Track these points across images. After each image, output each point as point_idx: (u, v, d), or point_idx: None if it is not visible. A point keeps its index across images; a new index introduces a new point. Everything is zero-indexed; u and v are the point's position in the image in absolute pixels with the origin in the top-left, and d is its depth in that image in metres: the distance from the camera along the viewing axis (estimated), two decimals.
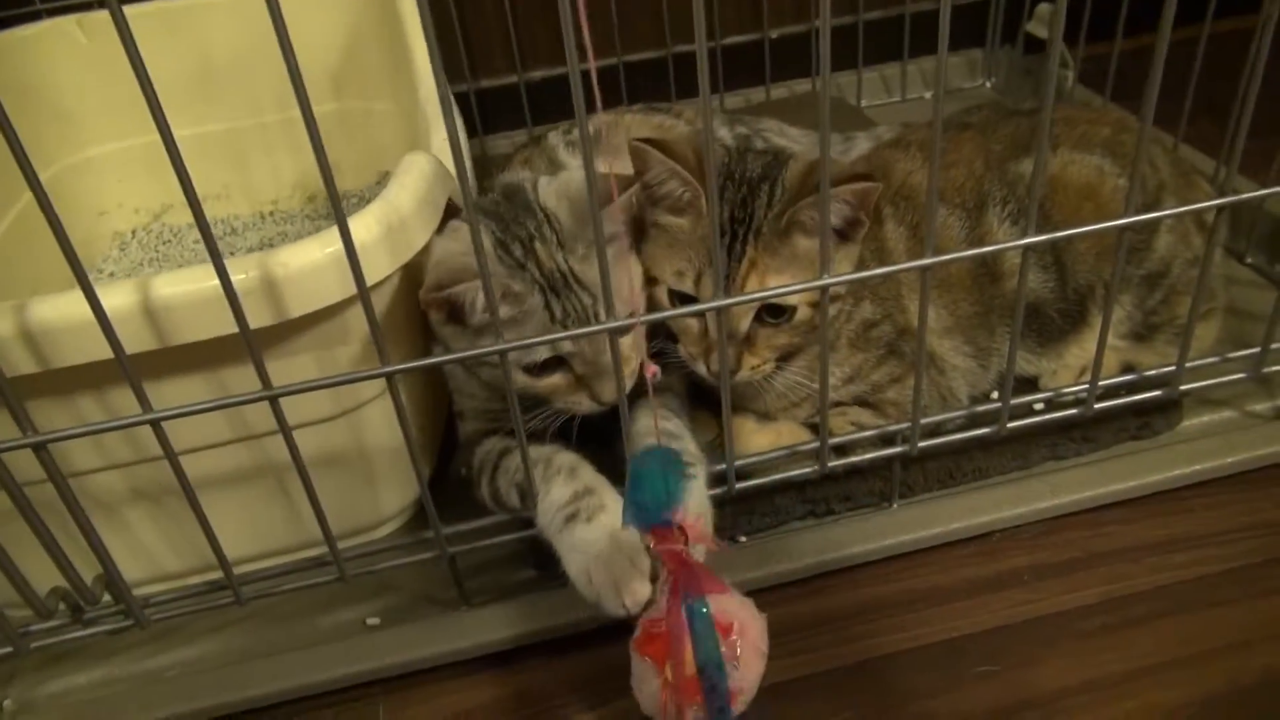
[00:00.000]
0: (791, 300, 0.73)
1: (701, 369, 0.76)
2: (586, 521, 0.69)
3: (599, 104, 0.58)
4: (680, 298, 0.76)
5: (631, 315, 0.72)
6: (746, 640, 0.59)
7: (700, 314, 0.75)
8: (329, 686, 0.77)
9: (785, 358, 0.78)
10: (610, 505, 0.70)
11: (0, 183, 1.12)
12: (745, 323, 0.74)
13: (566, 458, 0.74)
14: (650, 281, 0.77)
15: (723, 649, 0.57)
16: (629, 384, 0.74)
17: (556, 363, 0.73)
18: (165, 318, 0.63)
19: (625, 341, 0.74)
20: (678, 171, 0.72)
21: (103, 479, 0.75)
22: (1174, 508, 0.84)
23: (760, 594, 0.80)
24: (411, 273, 0.76)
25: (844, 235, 0.74)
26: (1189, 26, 1.02)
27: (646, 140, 0.73)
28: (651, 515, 0.60)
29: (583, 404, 0.75)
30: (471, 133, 1.52)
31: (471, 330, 0.73)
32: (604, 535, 0.67)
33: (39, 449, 0.60)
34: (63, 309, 0.62)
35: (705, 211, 0.72)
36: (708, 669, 0.57)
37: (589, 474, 0.73)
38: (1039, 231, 0.69)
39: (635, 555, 0.65)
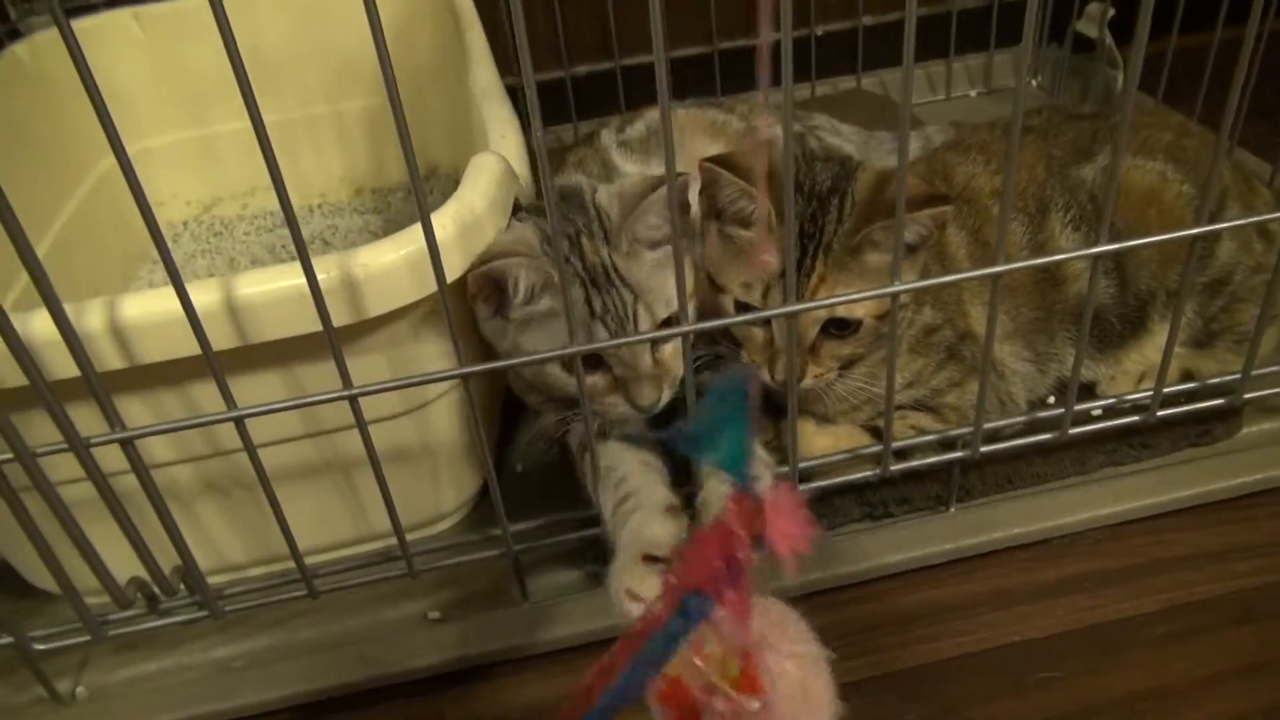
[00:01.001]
0: (858, 313, 0.73)
1: (765, 376, 0.76)
2: (621, 526, 0.69)
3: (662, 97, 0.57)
4: (746, 308, 0.76)
5: (677, 320, 0.71)
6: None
7: (765, 323, 0.75)
8: (393, 680, 0.78)
9: (848, 365, 0.78)
10: (645, 503, 0.70)
11: (57, 178, 1.14)
12: (811, 333, 0.74)
13: (626, 466, 0.74)
14: (716, 289, 0.77)
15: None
16: (667, 394, 0.74)
17: (595, 362, 0.72)
18: (248, 316, 0.64)
19: (666, 349, 0.74)
20: (749, 191, 0.72)
21: (176, 471, 0.76)
22: (1235, 516, 0.83)
23: (817, 596, 0.81)
24: None
25: (913, 249, 0.74)
26: (1238, 25, 1.01)
27: (716, 159, 0.73)
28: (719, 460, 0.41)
29: (619, 407, 0.74)
30: (519, 123, 1.53)
31: (514, 325, 0.72)
32: (629, 533, 0.68)
33: (127, 444, 0.61)
34: (151, 306, 0.63)
35: (775, 226, 0.72)
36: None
37: (635, 477, 0.73)
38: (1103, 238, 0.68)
39: (650, 546, 0.65)
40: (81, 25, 1.21)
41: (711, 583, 0.39)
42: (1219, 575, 0.79)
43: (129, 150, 1.34)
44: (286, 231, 1.32)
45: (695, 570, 0.40)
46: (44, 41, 1.15)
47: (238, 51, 0.52)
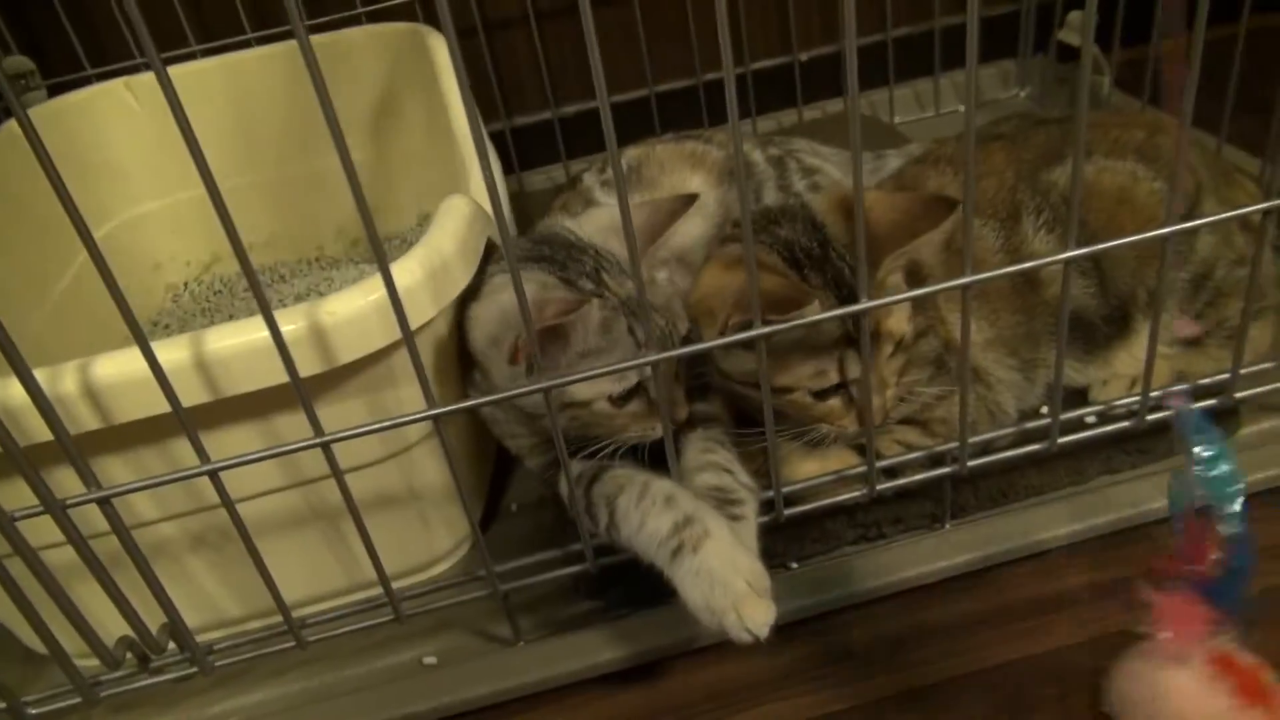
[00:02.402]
0: (904, 325, 0.75)
1: (851, 428, 0.76)
2: (694, 552, 0.67)
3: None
4: (820, 395, 0.75)
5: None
6: None
7: (840, 388, 0.75)
8: None
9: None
10: (715, 531, 0.67)
11: (57, 244, 1.16)
12: (886, 354, 0.75)
13: (662, 486, 0.71)
14: (778, 393, 0.75)
15: None
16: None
17: (635, 389, 0.74)
18: (219, 370, 0.65)
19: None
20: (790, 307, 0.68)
21: (163, 528, 0.77)
22: None
23: (814, 621, 0.80)
24: (451, 315, 0.78)
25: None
26: (1227, 23, 1.01)
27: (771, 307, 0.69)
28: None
29: (656, 429, 0.74)
30: (508, 170, 1.55)
31: (561, 366, 0.71)
32: (717, 561, 0.66)
33: (104, 504, 0.62)
34: (121, 366, 0.64)
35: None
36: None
37: (687, 501, 0.70)
38: (1077, 241, 0.68)
39: (753, 577, 0.65)
40: (76, 98, 1.25)
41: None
42: None
43: (127, 214, 1.37)
44: (285, 287, 1.35)
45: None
46: (38, 116, 1.18)
47: (187, 121, 0.53)
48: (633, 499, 0.71)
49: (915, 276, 0.81)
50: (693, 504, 0.70)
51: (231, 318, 1.29)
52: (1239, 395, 0.81)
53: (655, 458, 0.76)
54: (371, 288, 0.67)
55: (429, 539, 0.87)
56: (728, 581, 0.65)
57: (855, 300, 0.67)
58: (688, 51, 1.51)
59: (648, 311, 0.65)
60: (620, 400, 0.74)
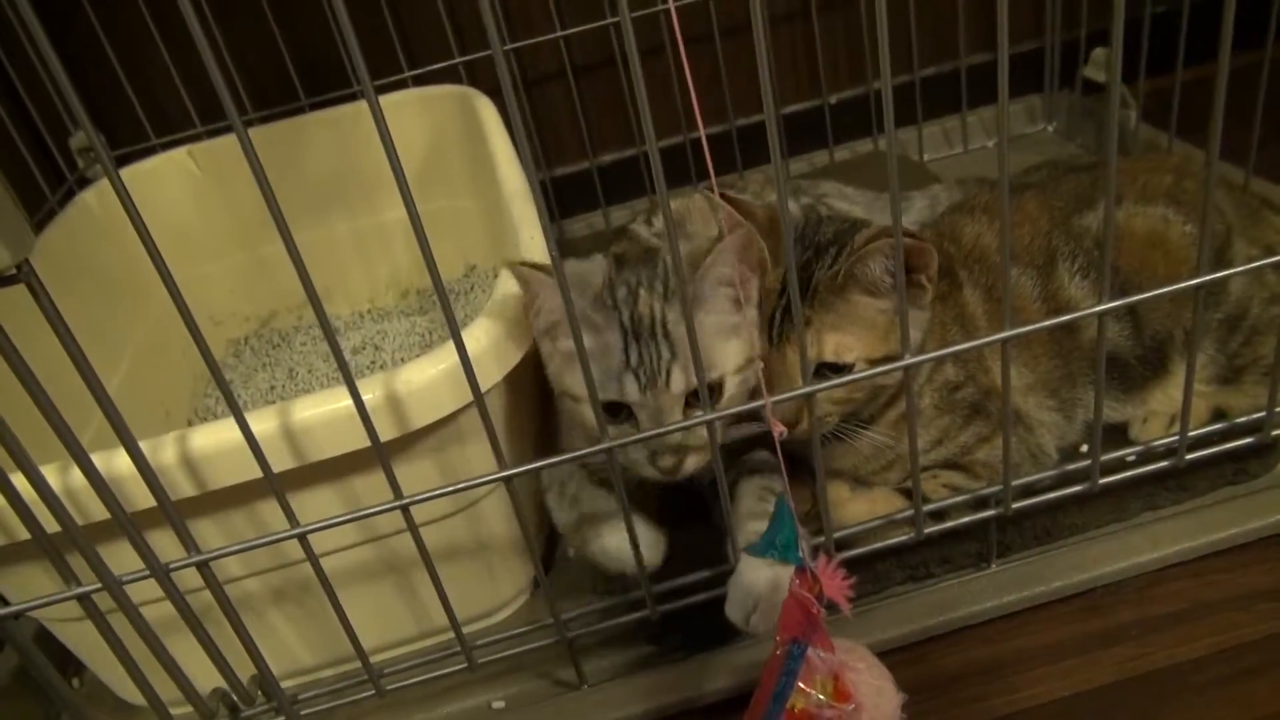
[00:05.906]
0: (848, 358, 0.74)
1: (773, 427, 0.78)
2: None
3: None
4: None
5: (720, 387, 0.74)
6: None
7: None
8: None
9: (866, 419, 0.80)
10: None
11: (123, 316, 1.22)
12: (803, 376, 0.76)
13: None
14: None
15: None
16: (691, 463, 0.74)
17: (622, 409, 0.73)
18: (304, 438, 0.70)
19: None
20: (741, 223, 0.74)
21: (247, 584, 0.81)
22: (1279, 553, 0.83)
23: None
24: (513, 378, 0.81)
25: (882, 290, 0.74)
26: (1251, 51, 1.02)
27: (723, 195, 0.75)
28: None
29: (643, 467, 0.74)
30: (549, 218, 1.60)
31: (560, 358, 0.76)
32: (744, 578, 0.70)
33: (203, 566, 0.66)
34: (216, 436, 0.69)
35: (770, 269, 0.76)
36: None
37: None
38: (1111, 287, 0.70)
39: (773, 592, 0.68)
40: (142, 168, 1.32)
41: (801, 633, 0.62)
42: (1268, 614, 0.78)
43: (190, 274, 1.44)
44: (340, 340, 1.39)
45: (789, 628, 0.62)
46: (106, 186, 1.25)
47: (268, 182, 0.56)
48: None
49: (963, 325, 0.84)
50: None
51: (291, 371, 1.35)
52: (1276, 433, 0.83)
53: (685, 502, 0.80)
54: (441, 357, 0.72)
55: (495, 586, 0.91)
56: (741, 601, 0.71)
57: (806, 283, 0.76)
58: (720, 98, 1.56)
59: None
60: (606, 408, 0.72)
